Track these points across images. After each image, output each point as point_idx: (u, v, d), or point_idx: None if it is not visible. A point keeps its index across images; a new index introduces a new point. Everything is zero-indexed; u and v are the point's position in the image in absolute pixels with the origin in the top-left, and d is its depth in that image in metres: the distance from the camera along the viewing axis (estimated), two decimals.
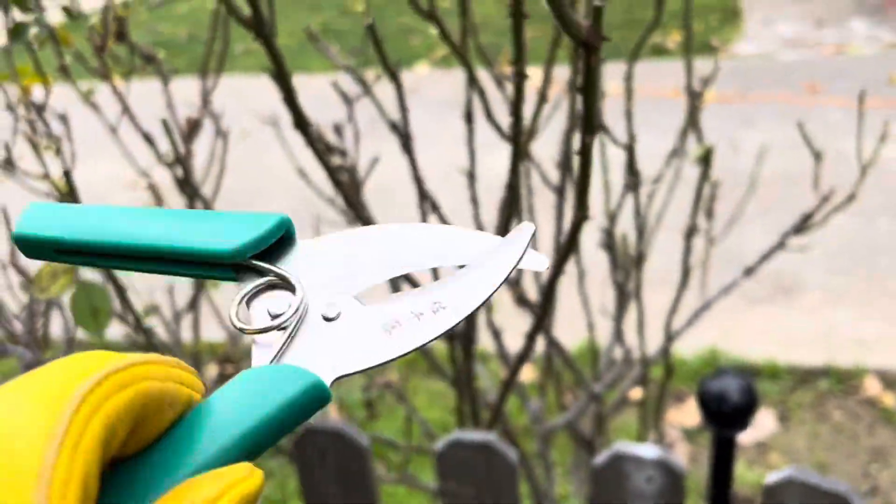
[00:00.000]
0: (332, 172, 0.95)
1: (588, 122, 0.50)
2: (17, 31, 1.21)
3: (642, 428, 1.64)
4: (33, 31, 1.23)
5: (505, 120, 0.89)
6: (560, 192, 1.22)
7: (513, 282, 1.14)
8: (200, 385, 0.31)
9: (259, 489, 0.28)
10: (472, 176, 1.09)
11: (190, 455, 0.29)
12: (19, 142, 1.29)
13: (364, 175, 1.12)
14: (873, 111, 1.14)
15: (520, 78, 0.65)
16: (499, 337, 1.26)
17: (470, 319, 0.94)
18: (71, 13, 1.28)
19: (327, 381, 0.33)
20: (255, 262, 0.36)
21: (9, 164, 1.29)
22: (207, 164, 1.36)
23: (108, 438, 0.26)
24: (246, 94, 3.04)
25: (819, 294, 2.55)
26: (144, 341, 0.96)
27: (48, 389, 0.26)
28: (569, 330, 1.52)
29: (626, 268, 1.27)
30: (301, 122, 0.79)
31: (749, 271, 1.26)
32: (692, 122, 1.02)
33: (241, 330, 0.35)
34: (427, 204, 1.05)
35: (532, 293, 1.24)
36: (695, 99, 0.99)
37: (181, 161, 1.26)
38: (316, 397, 0.32)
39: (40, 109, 1.21)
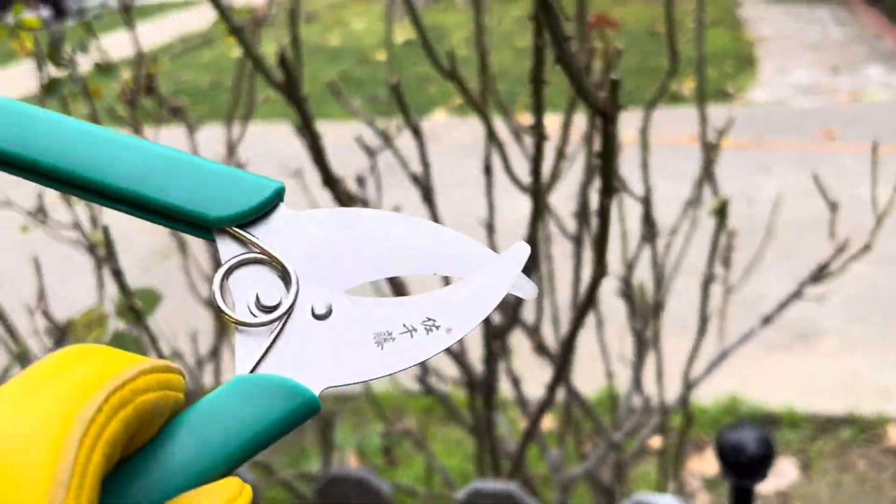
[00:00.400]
0: None
1: (606, 185, 0.52)
2: (51, 87, 1.26)
3: (662, 477, 1.63)
4: (67, 85, 1.28)
5: (522, 170, 0.91)
6: (577, 241, 1.23)
7: (532, 329, 1.15)
8: (184, 384, 0.30)
9: None
10: (490, 227, 1.11)
11: (177, 468, 0.28)
12: (50, 191, 1.33)
13: None
14: (888, 158, 1.15)
15: (539, 139, 0.67)
16: (518, 385, 1.27)
17: (490, 369, 0.95)
18: (103, 68, 1.33)
19: (316, 391, 0.31)
20: (240, 231, 0.33)
21: (41, 213, 1.33)
22: None
23: (107, 465, 0.25)
24: (267, 141, 3.10)
25: (838, 341, 2.53)
26: None
27: (49, 408, 0.25)
28: (587, 377, 1.53)
29: (645, 316, 1.28)
30: (329, 181, 0.81)
31: (766, 320, 1.27)
32: (707, 173, 1.04)
33: (224, 314, 0.33)
34: None
35: (551, 340, 1.26)
36: (710, 151, 1.01)
37: None
38: (306, 412, 0.31)
39: None
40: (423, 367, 1.23)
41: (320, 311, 0.33)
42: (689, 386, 1.37)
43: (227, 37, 1.00)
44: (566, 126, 0.89)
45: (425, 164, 0.99)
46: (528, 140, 1.08)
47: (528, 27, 0.59)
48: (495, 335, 0.86)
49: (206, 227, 0.33)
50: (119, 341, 0.69)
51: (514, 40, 6.16)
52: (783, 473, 2.07)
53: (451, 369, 1.22)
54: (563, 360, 0.84)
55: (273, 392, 0.30)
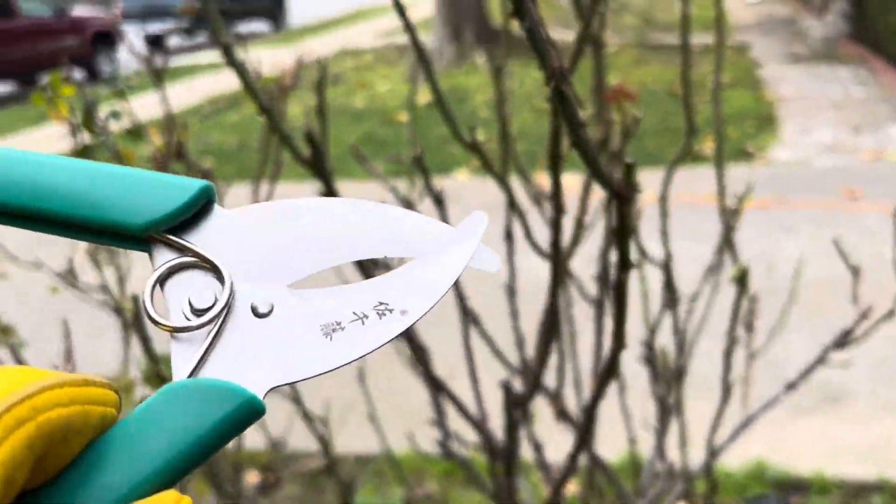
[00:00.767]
0: None
1: (623, 261, 0.53)
2: (84, 153, 1.30)
3: None
4: (100, 151, 1.31)
5: (543, 233, 0.92)
6: (599, 305, 1.24)
7: (553, 394, 1.15)
8: (114, 398, 0.28)
9: None
10: (512, 291, 1.12)
11: (107, 486, 0.25)
12: (80, 254, 1.36)
13: None
14: None
15: (558, 213, 0.68)
16: (540, 450, 1.26)
17: (512, 436, 0.95)
18: (134, 133, 1.37)
19: (260, 394, 0.29)
20: (170, 236, 0.31)
21: (70, 275, 1.36)
22: None
23: (8, 488, 0.23)
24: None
25: (867, 404, 2.49)
26: None
27: None
28: (610, 443, 1.51)
29: (667, 381, 1.27)
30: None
31: (791, 386, 1.26)
32: (727, 240, 1.04)
33: (156, 323, 0.31)
34: (469, 320, 1.08)
35: (573, 405, 1.25)
36: (730, 217, 1.02)
37: None
38: (248, 415, 0.28)
39: None
40: (445, 431, 1.22)
41: (262, 309, 0.31)
42: (713, 452, 1.35)
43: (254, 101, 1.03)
44: (585, 195, 0.90)
45: None
46: (548, 205, 1.09)
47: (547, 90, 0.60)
48: (516, 403, 0.86)
49: (135, 238, 0.31)
50: None
51: (535, 101, 6.24)
52: None
53: (472, 434, 1.21)
54: (585, 428, 0.84)
55: (208, 396, 0.28)
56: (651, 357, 1.20)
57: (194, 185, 0.32)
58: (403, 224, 0.33)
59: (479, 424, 1.02)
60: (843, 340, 1.17)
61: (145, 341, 0.72)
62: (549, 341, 0.87)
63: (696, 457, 1.42)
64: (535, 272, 1.35)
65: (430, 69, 0.91)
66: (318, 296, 0.32)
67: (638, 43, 8.41)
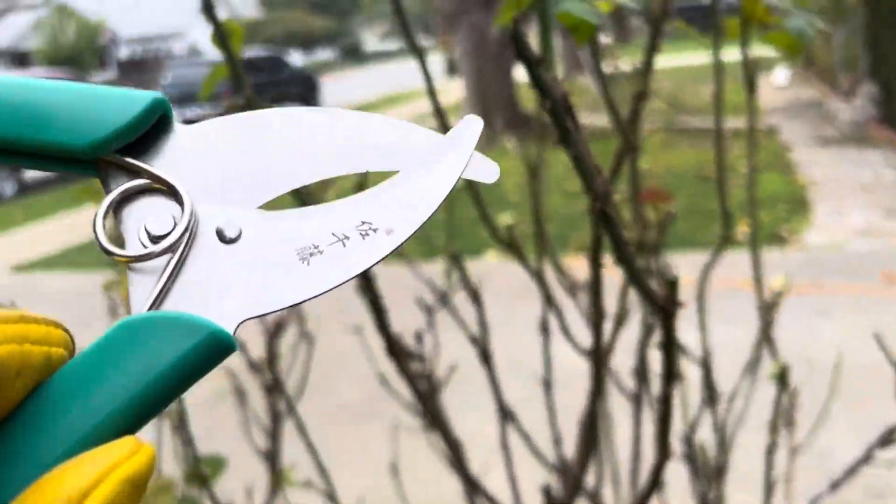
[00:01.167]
0: (412, 380, 0.99)
1: (668, 374, 0.53)
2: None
3: None
4: None
5: (577, 323, 0.92)
6: (637, 399, 1.22)
7: (592, 494, 1.12)
8: (61, 337, 0.25)
9: (148, 468, 0.22)
10: (548, 384, 1.12)
11: (56, 434, 0.23)
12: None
13: (442, 379, 1.15)
14: None
15: (598, 317, 0.69)
16: None
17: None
18: None
19: (230, 328, 0.26)
20: (122, 157, 0.28)
21: None
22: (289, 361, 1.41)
23: None
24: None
25: None
26: None
27: None
28: None
29: (708, 477, 1.24)
30: (393, 350, 0.84)
31: (835, 486, 1.22)
32: (766, 336, 1.03)
33: (110, 254, 0.27)
34: (505, 417, 1.07)
35: (612, 503, 1.22)
36: (767, 313, 1.01)
37: (268, 363, 1.32)
38: (216, 351, 0.25)
39: None
40: None
41: (229, 233, 0.28)
42: None
43: None
44: (623, 294, 0.91)
45: (483, 326, 1.01)
46: (584, 296, 1.10)
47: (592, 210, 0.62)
48: None
49: (82, 161, 0.28)
50: None
51: (565, 184, 6.30)
52: None
53: None
54: None
55: (170, 331, 0.24)
56: (691, 454, 1.18)
57: (146, 97, 0.28)
58: (387, 133, 0.30)
59: None
60: (889, 438, 1.14)
61: (189, 443, 0.73)
62: (589, 446, 0.86)
63: None
64: (569, 358, 1.34)
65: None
66: (293, 217, 0.28)
67: (665, 126, 8.51)
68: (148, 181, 0.28)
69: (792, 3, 0.94)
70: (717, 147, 1.13)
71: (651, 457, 0.72)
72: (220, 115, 0.30)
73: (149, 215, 0.28)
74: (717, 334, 1.24)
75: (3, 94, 0.27)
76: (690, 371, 1.28)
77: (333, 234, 0.28)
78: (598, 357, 0.75)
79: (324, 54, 38.20)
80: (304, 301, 0.27)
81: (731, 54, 1.10)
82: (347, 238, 0.28)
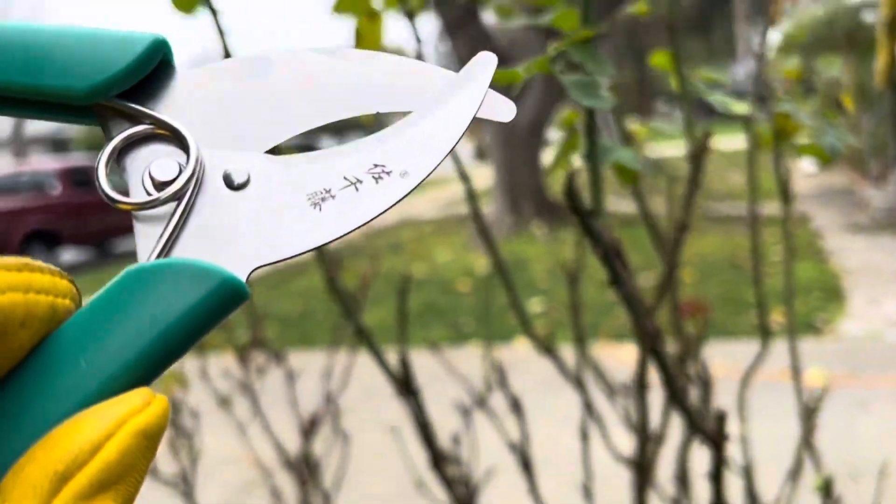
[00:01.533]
0: (450, 485, 0.97)
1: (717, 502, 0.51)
2: None
3: None
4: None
5: (611, 417, 0.90)
6: None
7: None
8: (71, 289, 0.24)
9: (163, 419, 0.22)
10: (588, 490, 1.09)
11: (63, 387, 0.22)
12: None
13: (480, 484, 1.13)
14: None
15: (644, 441, 0.67)
16: None
17: None
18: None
19: (242, 275, 0.25)
20: (123, 102, 0.27)
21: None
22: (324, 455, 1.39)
23: None
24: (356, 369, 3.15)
25: None
26: None
27: None
28: None
29: None
30: (438, 463, 0.82)
31: None
32: (807, 443, 1.00)
33: (114, 202, 0.26)
34: None
35: None
36: (808, 420, 0.98)
37: (304, 459, 1.30)
38: (230, 298, 0.24)
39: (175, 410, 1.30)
40: None
41: (237, 178, 0.26)
42: None
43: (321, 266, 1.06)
44: (666, 416, 0.88)
45: (524, 435, 0.99)
46: (624, 398, 1.08)
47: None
48: None
49: (81, 107, 0.27)
50: None
51: (594, 272, 6.29)
52: None
53: None
54: None
55: (180, 278, 0.23)
56: None
57: (145, 38, 0.27)
58: (397, 72, 0.28)
59: None
60: None
61: None
62: None
63: None
64: (608, 455, 1.31)
65: (491, 238, 0.93)
66: (302, 161, 0.27)
67: (696, 213, 8.51)
68: (151, 126, 0.27)
69: (823, 118, 0.95)
70: (752, 236, 1.12)
71: None
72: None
73: (153, 162, 0.27)
74: (753, 428, 1.21)
75: (15, 41, 0.26)
76: (730, 477, 1.24)
77: (345, 177, 0.26)
78: (642, 470, 0.73)
79: (356, 137, 39.10)
80: (318, 247, 0.26)
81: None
82: (360, 182, 0.26)
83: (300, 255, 0.26)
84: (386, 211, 0.26)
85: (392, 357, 0.92)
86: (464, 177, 0.92)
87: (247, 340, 1.37)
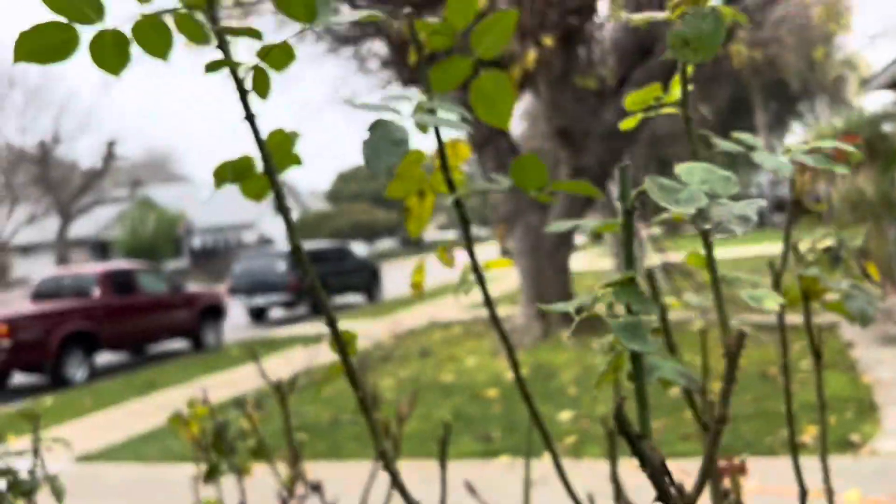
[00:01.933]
0: None
1: None
2: (212, 473, 1.42)
3: None
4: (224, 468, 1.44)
5: None
6: None
7: None
8: None
9: None
10: None
11: None
12: None
13: None
14: None
15: None
16: None
17: None
18: (260, 454, 1.49)
19: None
20: None
21: None
22: None
23: None
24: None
25: None
26: None
27: None
28: None
29: None
30: None
31: None
32: None
33: None
34: None
35: None
36: None
37: None
38: None
39: None
40: None
41: None
42: None
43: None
44: None
45: None
46: None
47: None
48: None
49: None
50: None
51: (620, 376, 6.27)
52: None
53: None
54: None
55: None
56: None
57: None
58: None
59: None
60: None
61: None
62: None
63: None
64: None
65: (513, 355, 1.00)
66: None
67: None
68: None
69: (851, 282, 1.04)
70: (783, 349, 1.18)
71: None
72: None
73: None
74: None
75: None
76: None
77: None
78: None
79: (385, 244, 39.69)
80: None
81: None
82: None
83: None
84: None
85: (417, 473, 0.99)
86: (482, 284, 1.00)
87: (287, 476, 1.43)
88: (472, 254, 1.18)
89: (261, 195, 1.21)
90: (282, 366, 9.46)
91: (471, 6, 1.11)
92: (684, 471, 0.97)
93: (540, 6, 6.97)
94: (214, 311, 13.33)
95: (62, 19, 1.00)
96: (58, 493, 1.28)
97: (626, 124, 1.05)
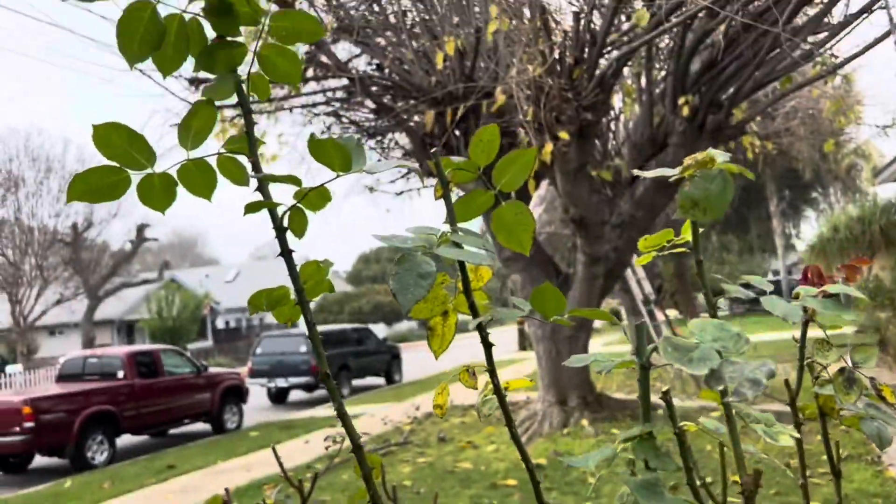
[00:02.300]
0: None
1: None
2: None
3: None
4: None
5: None
6: None
7: None
8: None
9: None
10: None
11: None
12: None
13: None
14: None
15: None
16: None
17: None
18: None
19: None
20: None
21: None
22: None
23: None
24: None
25: None
26: None
27: None
28: None
29: None
30: None
31: None
32: None
33: None
34: None
35: None
36: None
37: None
38: None
39: None
40: None
41: None
42: None
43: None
44: None
45: None
46: None
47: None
48: None
49: None
50: None
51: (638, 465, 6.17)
52: None
53: None
54: None
55: None
56: None
57: None
58: None
59: None
60: None
61: None
62: None
63: None
64: None
65: (523, 451, 1.02)
66: None
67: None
68: None
69: (868, 402, 1.08)
70: (799, 454, 1.20)
71: None
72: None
73: None
74: None
75: None
76: None
77: None
78: None
79: (404, 325, 39.65)
80: None
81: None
82: None
83: None
84: None
85: None
86: (492, 374, 1.03)
87: None
88: (493, 374, 1.23)
89: (292, 320, 1.28)
90: (301, 450, 9.41)
91: (493, 147, 1.19)
92: None
93: (556, 102, 7.17)
94: (236, 393, 13.32)
95: (115, 164, 1.07)
96: None
97: (641, 262, 1.11)
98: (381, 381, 18.82)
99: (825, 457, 1.49)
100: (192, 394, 12.46)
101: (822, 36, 7.07)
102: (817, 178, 25.53)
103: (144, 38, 1.00)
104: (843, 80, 8.86)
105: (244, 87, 1.10)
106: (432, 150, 1.23)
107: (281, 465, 1.60)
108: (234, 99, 1.13)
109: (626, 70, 8.72)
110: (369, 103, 9.21)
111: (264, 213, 1.13)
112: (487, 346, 1.21)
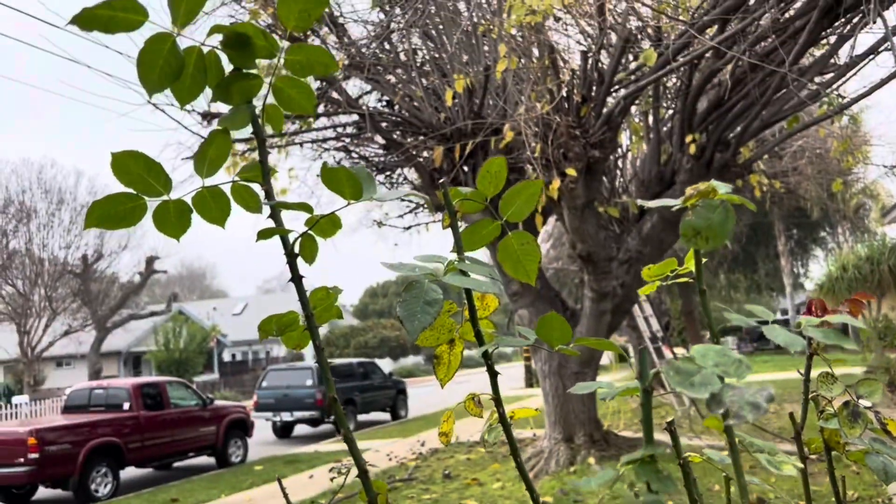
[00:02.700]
0: None
1: None
2: None
3: None
4: None
5: None
6: None
7: None
8: None
9: None
10: None
11: None
12: None
13: None
14: None
15: None
16: None
17: None
18: None
19: None
20: None
21: None
22: None
23: None
24: None
25: None
26: None
27: None
28: None
29: None
30: None
31: None
32: None
33: None
34: None
35: None
36: None
37: None
38: None
39: None
40: None
41: None
42: None
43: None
44: None
45: None
46: None
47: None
48: None
49: None
50: None
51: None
52: None
53: None
54: None
55: None
56: None
57: None
58: None
59: None
60: None
61: None
62: None
63: None
64: None
65: (531, 486, 1.03)
66: None
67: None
68: None
69: (873, 437, 1.09)
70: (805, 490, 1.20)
71: None
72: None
73: None
74: None
75: None
76: None
77: None
78: None
79: (410, 360, 39.56)
80: None
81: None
82: None
83: None
84: None
85: None
86: (498, 404, 1.04)
87: None
88: (498, 403, 1.24)
89: (301, 346, 1.29)
90: (305, 485, 9.33)
91: (500, 178, 1.21)
92: None
93: (564, 139, 7.24)
94: (241, 426, 13.26)
95: (131, 191, 1.09)
96: None
97: (645, 291, 1.13)
98: (386, 416, 18.71)
99: (834, 499, 1.49)
100: (197, 427, 12.42)
101: (828, 76, 7.13)
102: (825, 218, 25.52)
103: (164, 70, 1.03)
104: (850, 119, 8.91)
105: (259, 117, 1.13)
106: (440, 182, 1.25)
107: (287, 498, 1.61)
108: (245, 133, 1.16)
109: (633, 108, 8.80)
110: (379, 139, 9.30)
111: (273, 245, 1.15)
112: (493, 375, 1.22)
